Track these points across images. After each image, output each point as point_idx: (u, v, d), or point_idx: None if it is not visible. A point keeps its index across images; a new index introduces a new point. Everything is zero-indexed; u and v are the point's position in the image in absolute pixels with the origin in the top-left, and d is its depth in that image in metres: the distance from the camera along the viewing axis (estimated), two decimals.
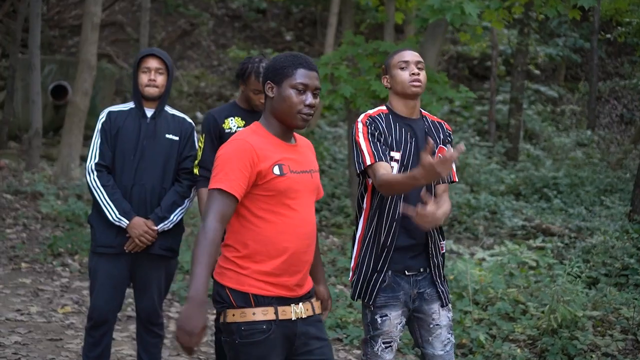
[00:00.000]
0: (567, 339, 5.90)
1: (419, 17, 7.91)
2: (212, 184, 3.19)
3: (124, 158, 4.64)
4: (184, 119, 4.84)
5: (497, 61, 15.63)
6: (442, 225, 4.09)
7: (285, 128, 3.31)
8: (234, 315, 3.17)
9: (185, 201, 4.73)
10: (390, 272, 3.89)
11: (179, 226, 4.78)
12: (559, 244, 9.25)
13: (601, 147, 15.54)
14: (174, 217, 4.67)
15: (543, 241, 8.92)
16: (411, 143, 3.86)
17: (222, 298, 3.20)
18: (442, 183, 4.05)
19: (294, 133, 3.43)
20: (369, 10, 14.03)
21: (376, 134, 3.83)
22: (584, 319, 6.14)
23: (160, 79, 4.67)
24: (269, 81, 3.29)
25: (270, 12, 20.26)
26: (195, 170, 4.86)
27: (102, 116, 4.70)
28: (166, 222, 4.63)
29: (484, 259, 8.28)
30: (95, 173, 4.61)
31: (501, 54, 17.25)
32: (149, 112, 4.72)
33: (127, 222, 4.54)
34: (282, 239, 3.21)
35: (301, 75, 3.26)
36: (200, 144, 4.86)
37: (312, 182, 3.36)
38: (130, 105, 4.77)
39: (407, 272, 3.90)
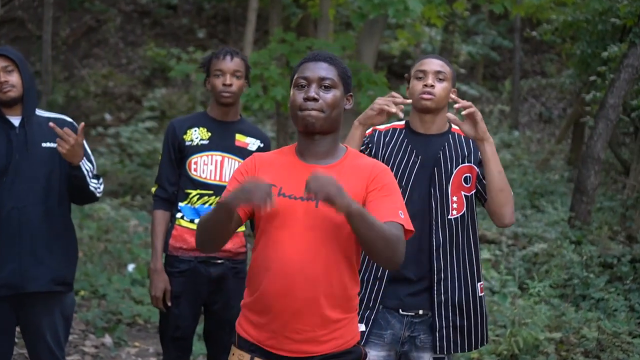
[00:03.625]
0: None
1: (357, 12, 7.32)
2: None
3: None
4: (61, 120, 4.02)
5: None
6: (479, 257, 3.50)
7: (308, 142, 2.80)
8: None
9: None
10: (381, 307, 3.38)
11: (73, 251, 4.03)
12: (497, 252, 8.80)
13: (522, 147, 15.29)
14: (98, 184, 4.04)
15: (488, 250, 8.44)
16: (414, 162, 3.44)
17: None
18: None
19: (351, 153, 2.85)
20: (290, 5, 13.34)
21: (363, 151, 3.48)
22: (545, 342, 5.66)
23: (13, 78, 3.85)
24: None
25: (181, 8, 19.42)
26: (153, 189, 4.19)
27: None
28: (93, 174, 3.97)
29: None
30: None
31: (422, 52, 16.83)
32: (16, 121, 3.90)
33: None
34: (259, 272, 2.76)
35: (302, 70, 2.77)
36: (159, 157, 4.20)
37: (318, 212, 2.70)
38: None
39: (402, 310, 3.40)
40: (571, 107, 17.09)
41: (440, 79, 3.41)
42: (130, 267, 7.48)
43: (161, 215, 4.17)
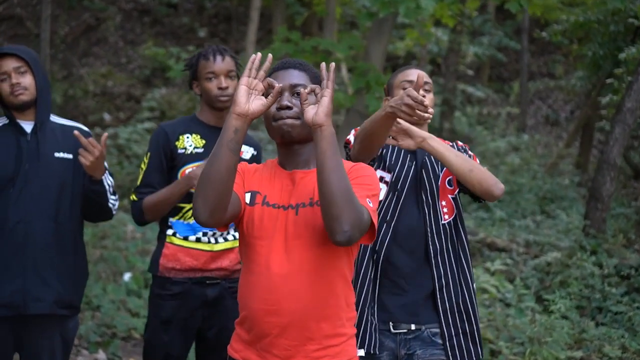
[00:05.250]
0: None
1: (365, 11, 6.98)
2: None
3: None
4: (77, 128, 3.70)
5: (426, 60, 14.83)
6: (469, 252, 3.39)
7: (288, 152, 2.68)
8: None
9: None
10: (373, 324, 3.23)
11: (81, 272, 3.69)
12: (508, 260, 8.47)
13: (531, 151, 14.95)
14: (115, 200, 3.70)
15: (499, 259, 8.11)
16: (409, 167, 3.35)
17: None
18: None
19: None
20: (293, 4, 13.00)
21: None
22: None
23: (26, 80, 3.54)
24: None
25: (181, 6, 19.10)
26: (133, 196, 3.77)
27: None
28: (110, 184, 3.62)
29: None
30: None
31: (429, 53, 16.48)
32: (28, 126, 3.59)
33: None
34: (245, 288, 2.64)
35: (274, 79, 2.63)
36: (142, 165, 3.77)
37: (302, 220, 2.56)
38: (3, 120, 3.62)
39: (394, 329, 3.25)
40: (579, 109, 16.76)
41: (427, 90, 3.39)
42: (127, 276, 7.13)
43: (151, 200, 3.74)
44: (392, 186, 3.33)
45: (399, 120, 3.16)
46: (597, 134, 14.79)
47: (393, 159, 3.37)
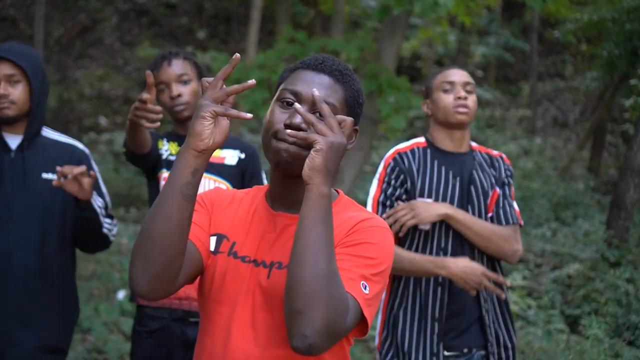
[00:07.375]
0: None
1: (373, 10, 6.56)
2: None
3: None
4: (72, 146, 3.23)
5: (432, 61, 14.41)
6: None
7: (281, 184, 1.93)
8: None
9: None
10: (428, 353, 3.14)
11: (71, 311, 3.23)
12: (525, 272, 8.03)
13: (544, 156, 14.50)
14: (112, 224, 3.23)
15: (516, 271, 7.67)
16: (453, 185, 3.19)
17: None
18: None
19: (343, 202, 1.96)
20: (295, 4, 12.56)
21: (394, 182, 3.16)
22: None
23: (16, 92, 3.08)
24: None
25: (180, 7, 18.73)
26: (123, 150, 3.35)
27: None
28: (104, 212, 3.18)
29: None
30: None
31: (436, 53, 16.04)
32: (14, 142, 3.14)
33: None
34: None
35: (295, 79, 1.89)
36: None
37: (268, 286, 1.86)
38: None
39: (447, 351, 3.17)
40: (587, 110, 16.32)
41: (468, 91, 3.25)
42: (120, 294, 6.66)
43: None
44: None
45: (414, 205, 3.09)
46: (608, 136, 14.35)
47: (433, 180, 3.20)
